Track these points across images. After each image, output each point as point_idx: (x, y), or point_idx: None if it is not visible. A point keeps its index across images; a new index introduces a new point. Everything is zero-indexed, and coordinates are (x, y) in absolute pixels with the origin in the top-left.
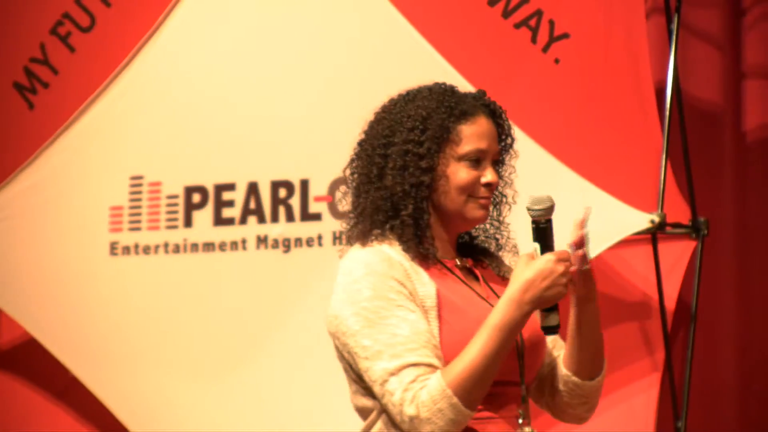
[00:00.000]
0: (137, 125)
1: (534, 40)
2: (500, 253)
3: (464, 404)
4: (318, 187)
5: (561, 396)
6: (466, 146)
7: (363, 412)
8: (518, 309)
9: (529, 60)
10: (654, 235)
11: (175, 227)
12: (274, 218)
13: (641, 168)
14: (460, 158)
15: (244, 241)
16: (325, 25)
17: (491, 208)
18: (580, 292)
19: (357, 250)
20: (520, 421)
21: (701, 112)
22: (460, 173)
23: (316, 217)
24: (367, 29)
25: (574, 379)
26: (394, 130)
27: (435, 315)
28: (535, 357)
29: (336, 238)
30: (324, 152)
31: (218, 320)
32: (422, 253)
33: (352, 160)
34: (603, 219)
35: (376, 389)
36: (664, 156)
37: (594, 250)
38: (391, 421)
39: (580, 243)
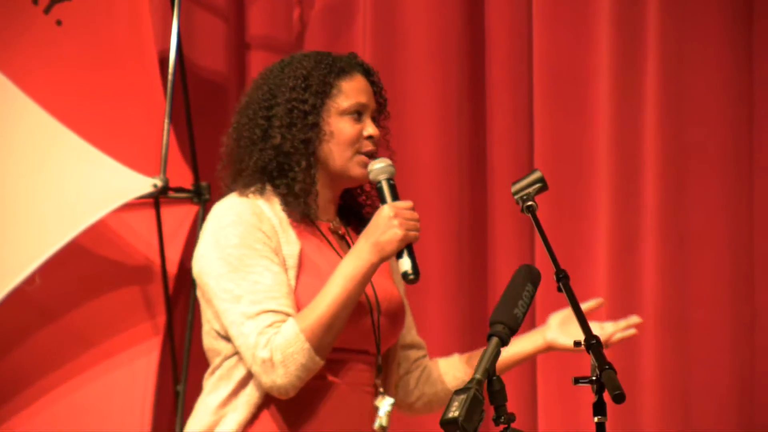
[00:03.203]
0: None
1: (35, 1)
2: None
3: (315, 350)
4: None
5: (427, 396)
6: (348, 100)
7: (211, 354)
8: (359, 258)
9: (30, 21)
10: (157, 199)
11: None
12: None
13: (145, 133)
14: (343, 113)
15: None
16: None
17: None
18: (558, 347)
19: (232, 198)
20: (381, 390)
21: (205, 80)
22: (344, 127)
23: None
24: None
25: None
26: (275, 93)
27: (294, 275)
28: (391, 329)
29: None
30: None
31: None
32: (301, 212)
33: (232, 129)
34: (105, 183)
35: (233, 331)
36: (167, 121)
37: (95, 214)
38: (234, 370)
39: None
